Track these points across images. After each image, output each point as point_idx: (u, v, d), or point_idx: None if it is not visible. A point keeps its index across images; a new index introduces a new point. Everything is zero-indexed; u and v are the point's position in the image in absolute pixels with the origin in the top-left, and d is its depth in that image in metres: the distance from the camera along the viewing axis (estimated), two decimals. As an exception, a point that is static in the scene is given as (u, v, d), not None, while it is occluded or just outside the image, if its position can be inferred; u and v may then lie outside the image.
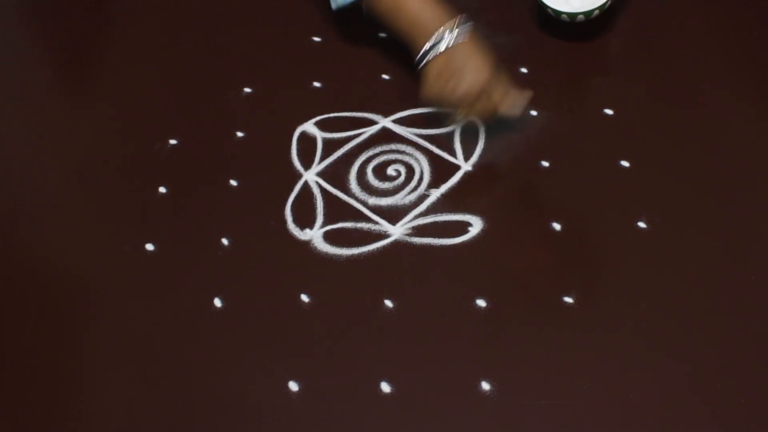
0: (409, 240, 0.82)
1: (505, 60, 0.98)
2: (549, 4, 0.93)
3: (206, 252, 0.82)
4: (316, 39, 1.04)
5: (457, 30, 0.83)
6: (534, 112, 0.93)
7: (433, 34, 0.83)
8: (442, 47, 0.83)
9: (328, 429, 0.69)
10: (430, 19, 0.84)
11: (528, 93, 0.86)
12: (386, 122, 0.93)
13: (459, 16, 0.84)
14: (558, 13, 0.93)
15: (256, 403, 0.71)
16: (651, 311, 0.74)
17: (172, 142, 0.94)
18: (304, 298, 0.78)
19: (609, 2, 0.92)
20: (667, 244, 0.79)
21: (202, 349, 0.75)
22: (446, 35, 0.82)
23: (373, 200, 0.86)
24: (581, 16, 0.92)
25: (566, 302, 0.75)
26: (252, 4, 1.11)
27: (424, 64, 0.85)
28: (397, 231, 0.83)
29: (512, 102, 0.85)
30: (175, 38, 1.07)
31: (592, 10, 0.92)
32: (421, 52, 0.85)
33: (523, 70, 0.97)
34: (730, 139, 0.88)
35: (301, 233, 0.83)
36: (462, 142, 0.90)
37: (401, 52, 1.01)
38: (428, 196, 0.85)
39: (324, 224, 0.84)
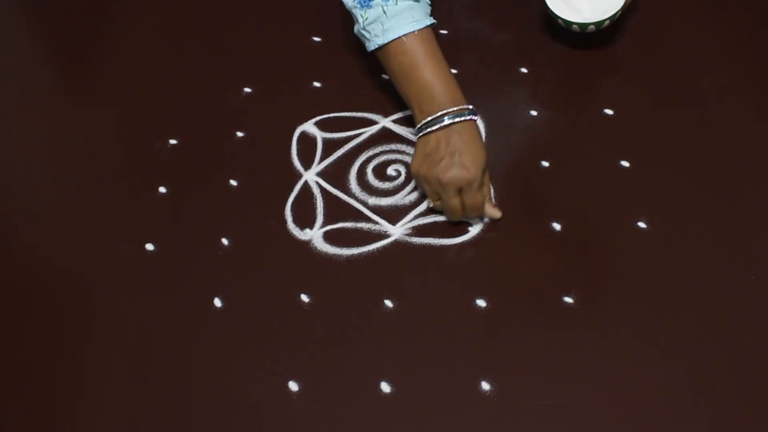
0: (409, 240, 0.82)
1: (505, 60, 0.99)
2: (560, 14, 0.93)
3: (206, 252, 0.82)
4: (316, 39, 1.04)
5: (459, 118, 0.79)
6: (534, 112, 0.93)
7: (437, 110, 0.79)
8: (441, 125, 0.79)
9: (328, 429, 0.69)
10: (439, 94, 0.80)
11: (498, 214, 0.82)
12: (386, 122, 0.93)
13: (466, 105, 0.80)
14: (569, 23, 0.93)
15: (256, 403, 0.71)
16: (651, 311, 0.74)
17: (172, 142, 0.94)
18: (304, 298, 0.78)
19: (620, 12, 0.92)
20: (667, 244, 0.79)
21: (202, 349, 0.75)
22: (446, 119, 0.79)
23: (373, 200, 0.86)
24: (592, 27, 0.92)
25: (566, 302, 0.75)
26: (252, 4, 1.11)
27: (421, 136, 0.81)
28: (397, 231, 0.83)
29: (484, 211, 0.81)
30: (175, 38, 1.07)
31: (603, 21, 0.91)
32: (421, 124, 0.81)
33: (523, 70, 0.97)
34: (730, 139, 0.88)
35: (301, 233, 0.83)
36: (462, 142, 0.90)
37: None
38: (428, 196, 0.85)
39: (324, 224, 0.84)
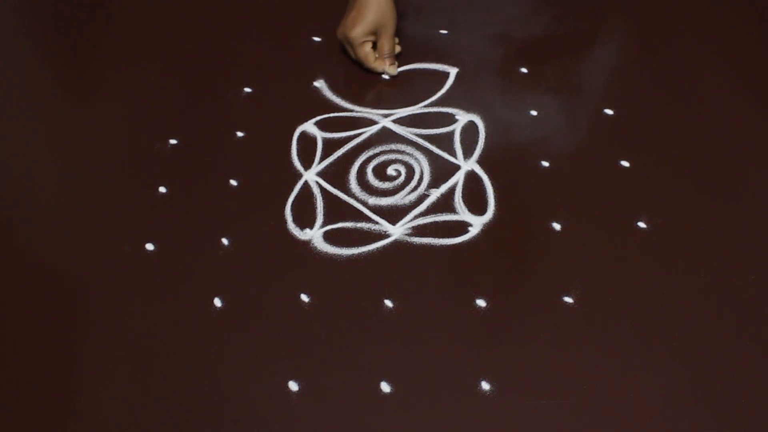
0: (409, 240, 0.82)
1: (505, 60, 0.99)
2: None
3: (206, 252, 0.82)
4: (316, 39, 1.04)
5: None
6: (534, 112, 0.93)
7: None
8: None
9: (328, 429, 0.69)
10: None
11: (388, 69, 0.97)
12: (386, 122, 0.93)
13: None
14: None
15: (256, 403, 0.71)
16: (651, 311, 0.74)
17: (172, 142, 0.94)
18: (304, 298, 0.78)
19: None
20: (667, 244, 0.79)
21: (202, 349, 0.75)
22: None
23: (373, 200, 0.86)
24: None
25: (566, 302, 0.75)
26: (252, 4, 1.11)
27: None
28: (397, 231, 0.83)
29: (371, 65, 0.97)
30: (175, 38, 1.07)
31: None
32: None
33: (523, 70, 0.97)
34: (730, 139, 0.88)
35: (301, 233, 0.83)
36: (462, 142, 0.90)
37: (401, 53, 1.01)
38: (428, 196, 0.85)
39: (324, 224, 0.84)
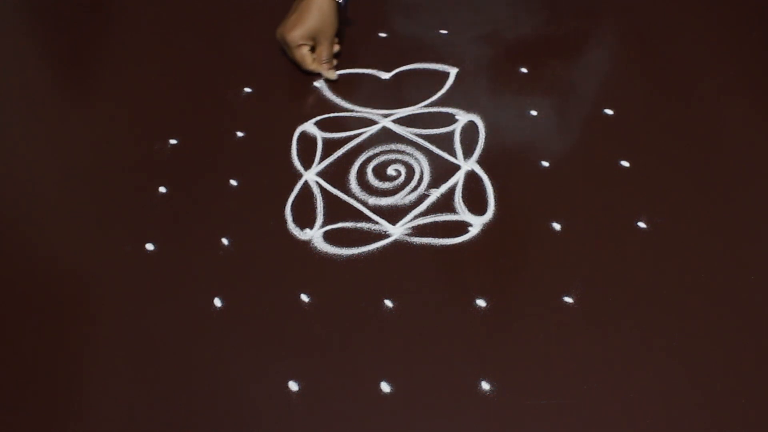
0: (409, 240, 0.82)
1: (505, 60, 0.99)
2: None
3: (206, 252, 0.82)
4: (316, 39, 1.04)
5: None
6: (534, 112, 0.93)
7: None
8: None
9: (328, 429, 0.69)
10: None
11: (327, 74, 0.98)
12: (386, 122, 0.93)
13: None
14: None
15: (256, 403, 0.71)
16: (651, 311, 0.74)
17: (172, 142, 0.94)
18: (304, 298, 0.78)
19: None
20: (667, 244, 0.79)
21: (202, 349, 0.75)
22: None
23: (373, 200, 0.86)
24: None
25: (566, 302, 0.75)
26: (252, 4, 1.11)
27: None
28: (397, 231, 0.83)
29: (308, 67, 0.97)
30: (175, 38, 1.07)
31: None
32: None
33: (523, 70, 0.97)
34: (730, 139, 0.88)
35: (301, 233, 0.83)
36: (462, 142, 0.90)
37: (401, 53, 1.01)
38: (428, 196, 0.85)
39: (324, 224, 0.84)
